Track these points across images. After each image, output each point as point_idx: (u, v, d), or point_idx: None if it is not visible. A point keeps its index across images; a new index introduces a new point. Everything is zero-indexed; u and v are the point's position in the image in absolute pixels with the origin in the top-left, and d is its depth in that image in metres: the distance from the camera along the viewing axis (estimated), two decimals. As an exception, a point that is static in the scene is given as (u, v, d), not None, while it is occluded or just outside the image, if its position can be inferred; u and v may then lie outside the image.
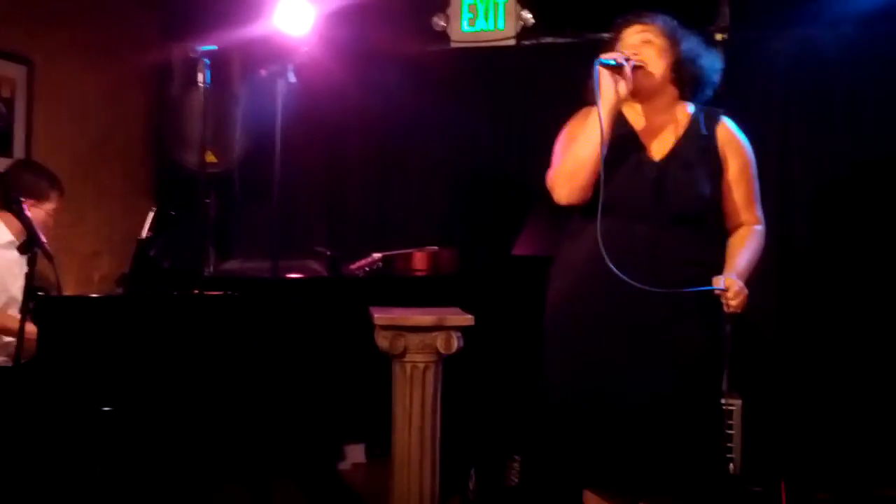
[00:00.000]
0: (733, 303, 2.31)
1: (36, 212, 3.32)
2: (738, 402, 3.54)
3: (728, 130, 2.50)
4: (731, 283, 2.31)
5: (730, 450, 3.47)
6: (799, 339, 3.84)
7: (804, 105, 3.92)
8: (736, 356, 3.41)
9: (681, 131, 2.48)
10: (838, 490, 3.60)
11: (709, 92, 2.54)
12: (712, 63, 2.53)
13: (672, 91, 2.50)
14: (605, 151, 2.33)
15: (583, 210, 2.45)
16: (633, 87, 2.39)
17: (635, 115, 2.51)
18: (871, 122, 3.81)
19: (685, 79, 2.48)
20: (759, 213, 2.53)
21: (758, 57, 3.93)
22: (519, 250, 3.46)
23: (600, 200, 2.32)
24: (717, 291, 2.31)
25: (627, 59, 2.37)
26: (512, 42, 4.33)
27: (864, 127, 3.82)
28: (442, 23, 4.39)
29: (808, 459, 3.70)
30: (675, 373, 2.37)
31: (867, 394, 3.70)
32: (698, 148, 2.45)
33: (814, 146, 3.90)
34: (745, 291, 2.32)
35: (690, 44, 2.49)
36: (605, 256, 2.26)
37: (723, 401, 2.44)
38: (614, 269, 2.26)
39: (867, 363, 3.71)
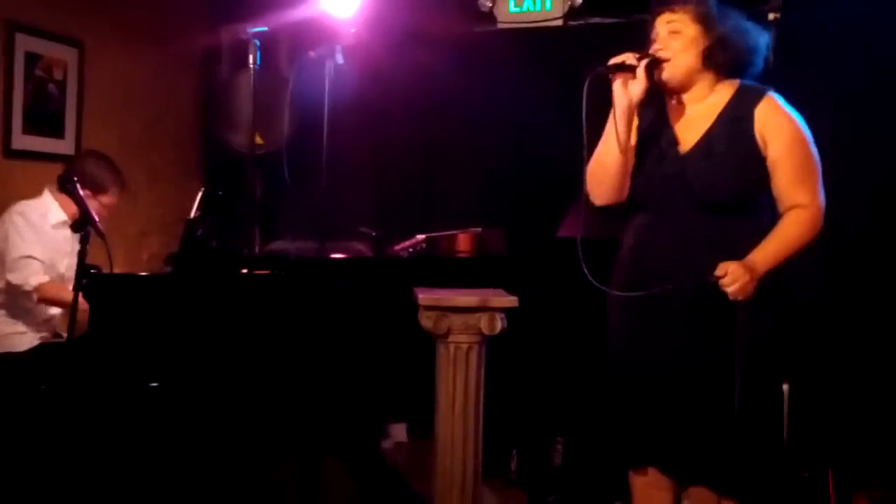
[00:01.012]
0: (729, 289, 2.22)
1: (91, 202, 3.38)
2: (786, 387, 3.49)
3: (768, 109, 2.36)
4: (726, 268, 2.22)
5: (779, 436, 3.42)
6: (849, 325, 3.77)
7: (860, 86, 3.82)
8: (784, 341, 3.38)
9: (713, 118, 2.40)
10: (888, 479, 3.53)
11: (757, 68, 2.44)
12: (756, 41, 2.43)
13: (710, 76, 2.42)
14: (628, 154, 2.34)
15: (627, 206, 2.46)
16: (661, 81, 2.36)
17: (674, 105, 2.46)
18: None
19: (724, 61, 2.40)
20: (815, 195, 2.37)
21: (812, 36, 3.84)
22: (564, 232, 3.44)
23: (631, 199, 2.36)
24: (711, 279, 2.22)
25: (641, 58, 2.32)
26: (559, 22, 4.29)
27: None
28: (488, 3, 4.36)
29: (858, 447, 3.64)
30: (726, 360, 2.33)
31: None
32: (729, 134, 2.36)
33: (870, 129, 3.80)
34: (746, 277, 2.21)
35: (729, 24, 2.39)
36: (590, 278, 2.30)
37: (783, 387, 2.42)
38: (599, 286, 2.30)
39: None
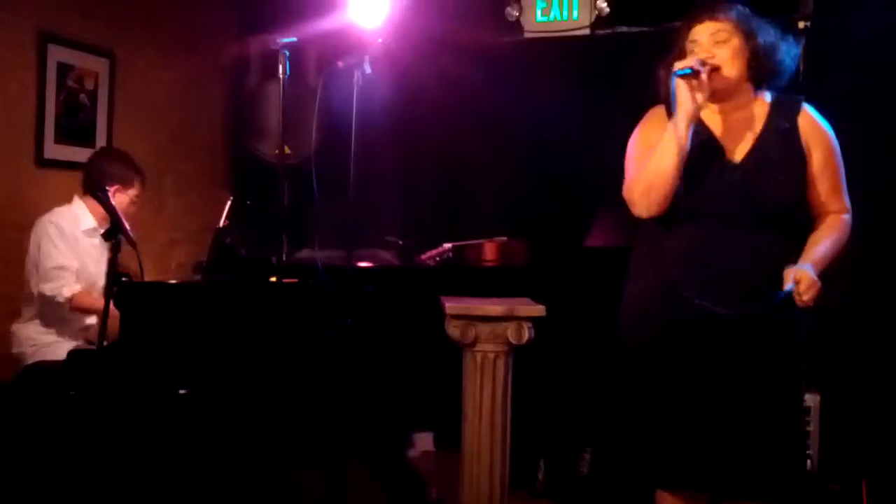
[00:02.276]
0: (805, 297, 2.22)
1: (121, 197, 3.42)
2: (817, 397, 3.45)
3: (809, 119, 2.41)
4: (801, 276, 2.22)
5: (808, 447, 3.38)
6: (881, 334, 3.72)
7: (892, 93, 3.78)
8: (815, 350, 3.34)
9: (759, 127, 2.39)
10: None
11: (785, 81, 2.45)
12: (789, 52, 2.43)
13: (748, 86, 2.41)
14: (684, 161, 2.29)
15: (660, 218, 2.38)
16: (713, 90, 2.33)
17: (711, 116, 2.42)
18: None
19: (762, 73, 2.40)
20: (846, 201, 2.44)
21: (843, 45, 3.80)
22: (591, 242, 3.43)
23: (682, 208, 2.29)
24: (788, 289, 2.22)
25: (704, 65, 2.30)
26: (586, 32, 4.28)
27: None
28: (515, 13, 4.37)
29: (892, 458, 3.58)
30: (754, 375, 2.32)
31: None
32: (780, 143, 2.36)
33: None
34: (818, 284, 2.24)
35: (767, 35, 2.39)
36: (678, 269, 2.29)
37: (804, 399, 2.40)
38: (690, 296, 2.28)
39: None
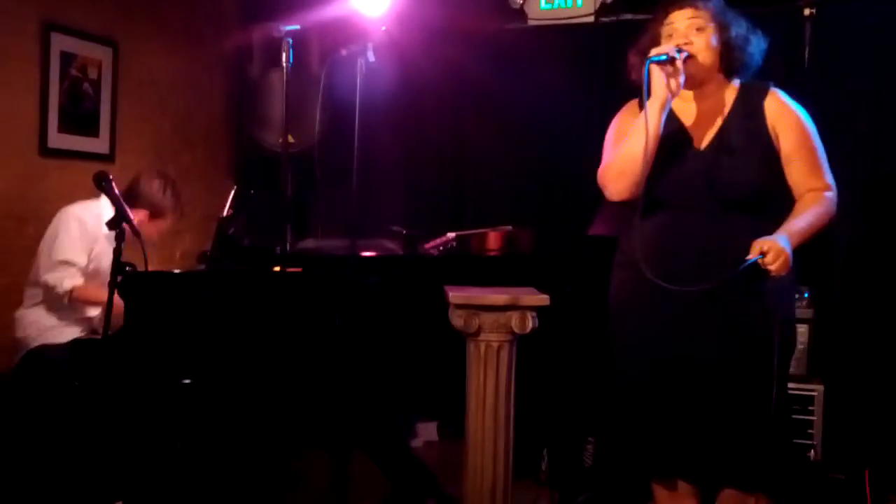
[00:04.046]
0: (771, 267, 2.19)
1: (148, 227, 3.40)
2: (821, 387, 3.44)
3: (776, 103, 2.40)
4: (769, 245, 2.19)
5: (811, 436, 3.38)
6: (885, 324, 3.71)
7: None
8: (818, 341, 3.33)
9: (724, 115, 2.41)
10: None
11: (751, 72, 2.47)
12: (759, 46, 2.46)
13: (719, 76, 2.44)
14: (655, 147, 2.31)
15: (634, 205, 2.39)
16: (688, 76, 2.35)
17: (683, 104, 2.45)
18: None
19: (733, 64, 2.43)
20: (827, 179, 2.40)
21: (849, 32, 3.78)
22: (595, 230, 3.42)
23: (642, 195, 2.31)
24: (757, 261, 2.18)
25: (680, 51, 2.32)
26: (591, 19, 4.27)
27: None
28: (519, 0, 4.35)
29: (888, 459, 3.58)
30: (725, 359, 2.33)
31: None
32: (745, 130, 2.38)
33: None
34: (786, 253, 2.19)
35: (739, 28, 2.42)
36: (641, 258, 2.29)
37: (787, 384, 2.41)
38: (650, 276, 2.27)
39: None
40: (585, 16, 4.27)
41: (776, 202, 2.38)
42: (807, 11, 3.64)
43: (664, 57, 2.30)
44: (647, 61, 2.31)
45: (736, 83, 2.46)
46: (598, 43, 4.26)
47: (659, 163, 2.34)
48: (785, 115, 2.38)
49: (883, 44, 3.76)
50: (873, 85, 3.79)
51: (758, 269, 2.20)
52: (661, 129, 2.33)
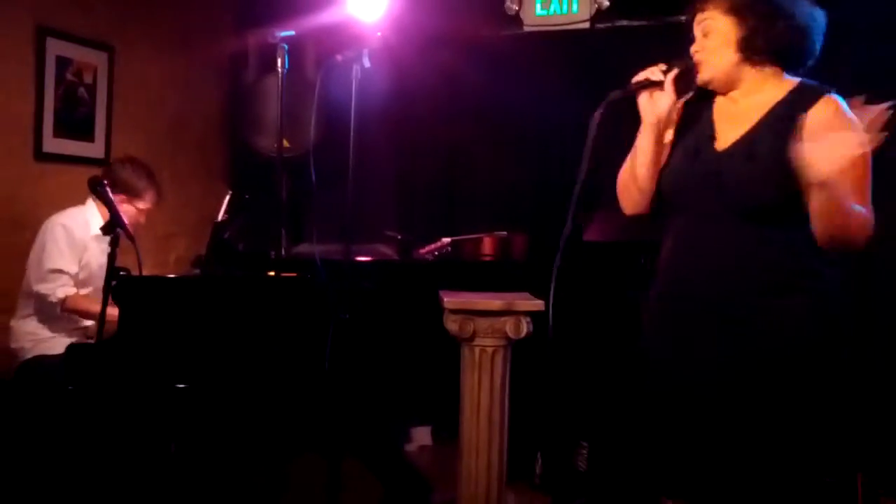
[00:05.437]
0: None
1: (127, 208, 3.42)
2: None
3: (826, 112, 2.08)
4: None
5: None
6: (874, 327, 3.72)
7: (892, 87, 3.76)
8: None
9: (762, 115, 2.19)
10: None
11: (812, 53, 2.17)
12: (806, 21, 2.14)
13: (759, 69, 2.19)
14: (648, 170, 2.25)
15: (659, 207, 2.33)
16: (704, 84, 2.22)
17: (723, 101, 2.27)
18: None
19: (764, 49, 2.16)
20: (866, 203, 2.07)
21: (841, 38, 3.79)
22: (590, 236, 3.43)
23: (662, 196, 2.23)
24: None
25: (668, 70, 2.20)
26: (586, 25, 4.28)
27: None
28: (515, 6, 4.36)
29: (887, 453, 3.58)
30: (754, 383, 2.16)
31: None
32: (775, 133, 2.13)
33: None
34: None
35: (768, 7, 2.15)
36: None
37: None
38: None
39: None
40: (581, 22, 4.28)
41: (798, 219, 2.09)
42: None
43: (644, 83, 2.21)
44: (626, 90, 2.22)
45: (794, 80, 2.17)
46: (593, 49, 4.27)
47: (678, 164, 2.24)
48: (830, 126, 2.03)
49: (875, 50, 3.77)
50: (866, 90, 3.79)
51: (797, 305, 2.09)
52: (668, 148, 2.26)
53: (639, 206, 2.35)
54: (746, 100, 2.23)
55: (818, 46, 2.18)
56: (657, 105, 2.22)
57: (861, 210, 2.06)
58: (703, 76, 2.22)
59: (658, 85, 2.21)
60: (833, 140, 1.90)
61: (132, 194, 3.51)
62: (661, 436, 2.32)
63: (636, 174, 2.31)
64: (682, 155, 2.26)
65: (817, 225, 2.05)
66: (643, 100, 2.23)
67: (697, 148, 2.24)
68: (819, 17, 2.17)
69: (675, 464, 2.30)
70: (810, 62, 2.20)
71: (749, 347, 2.14)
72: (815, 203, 2.02)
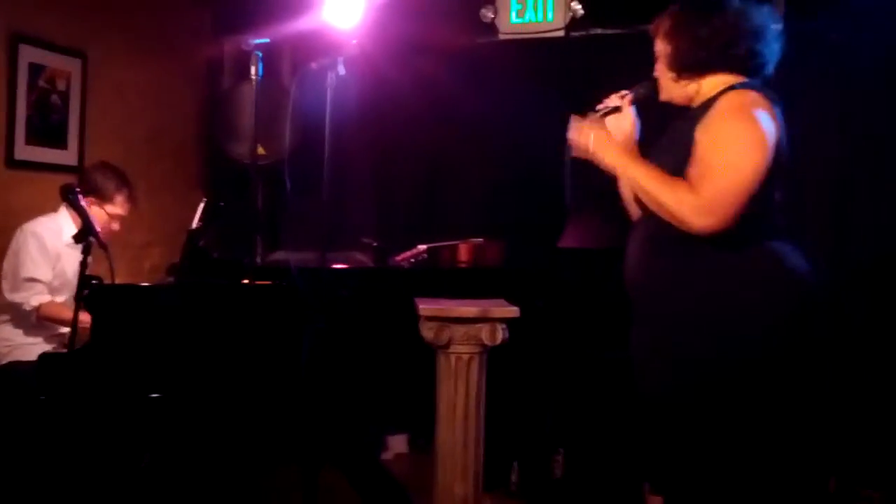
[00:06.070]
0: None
1: (98, 212, 3.40)
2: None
3: (720, 103, 2.13)
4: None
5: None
6: (850, 331, 3.76)
7: (864, 99, 3.81)
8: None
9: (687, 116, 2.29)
10: (888, 487, 3.51)
11: (762, 58, 2.22)
12: (750, 27, 2.20)
13: (704, 80, 2.25)
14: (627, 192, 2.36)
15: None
16: (668, 101, 2.34)
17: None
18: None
19: (695, 62, 2.22)
20: (709, 195, 2.05)
21: (813, 49, 3.84)
22: (565, 243, 3.45)
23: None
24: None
25: (624, 96, 2.38)
26: (561, 33, 4.30)
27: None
28: (490, 14, 4.38)
29: (856, 454, 3.62)
30: (671, 377, 2.22)
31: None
32: (679, 130, 2.24)
33: (874, 141, 3.79)
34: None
35: (706, 21, 2.20)
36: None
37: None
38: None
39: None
40: (556, 30, 4.30)
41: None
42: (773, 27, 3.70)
43: (607, 109, 2.39)
44: (599, 115, 2.37)
45: (729, 82, 2.21)
46: (568, 57, 4.30)
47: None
48: (713, 114, 2.11)
49: (846, 61, 3.82)
50: (837, 101, 3.84)
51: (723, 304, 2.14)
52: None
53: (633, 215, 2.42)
54: (696, 109, 2.32)
55: (759, 50, 2.22)
56: (620, 126, 2.38)
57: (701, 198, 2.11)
58: (662, 97, 2.38)
59: (617, 110, 2.39)
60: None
61: (102, 197, 3.49)
62: (643, 434, 2.36)
63: (624, 191, 2.43)
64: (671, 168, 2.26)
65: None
66: (610, 122, 2.38)
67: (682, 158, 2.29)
68: (751, 22, 2.20)
69: (656, 461, 2.34)
70: (761, 65, 2.24)
71: (682, 338, 2.18)
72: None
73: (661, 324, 2.23)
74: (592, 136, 2.32)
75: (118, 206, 3.56)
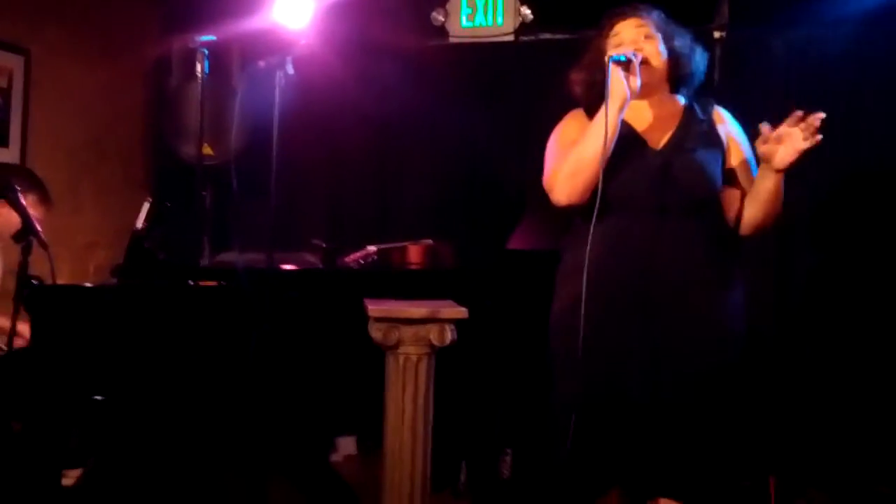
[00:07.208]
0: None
1: (6, 212, 3.29)
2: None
3: (723, 116, 2.51)
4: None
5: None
6: (792, 333, 3.84)
7: (804, 106, 3.88)
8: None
9: (677, 121, 2.46)
10: (831, 487, 3.59)
11: (696, 86, 2.54)
12: (703, 60, 2.53)
13: (666, 87, 2.50)
14: (611, 149, 2.30)
15: (584, 212, 2.35)
16: (645, 80, 2.37)
17: (633, 112, 2.43)
18: (872, 123, 3.78)
19: (679, 75, 2.49)
20: None
21: (757, 56, 3.92)
22: (514, 244, 3.46)
23: (598, 200, 2.27)
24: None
25: (636, 55, 2.34)
26: (510, 38, 4.34)
27: (865, 127, 3.79)
28: (441, 17, 4.39)
29: (799, 455, 3.69)
30: (685, 377, 2.33)
31: (863, 389, 3.69)
32: (699, 132, 2.43)
33: (814, 148, 3.86)
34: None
35: (683, 40, 2.49)
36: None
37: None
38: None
39: (861, 358, 3.71)
40: (505, 34, 4.34)
41: (721, 215, 2.45)
42: (717, 34, 3.80)
43: (622, 58, 2.31)
44: (610, 60, 2.31)
45: (682, 100, 2.51)
46: (517, 61, 4.33)
47: (610, 167, 2.31)
48: (734, 127, 2.50)
49: (791, 68, 3.90)
50: (782, 107, 3.91)
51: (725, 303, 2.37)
52: (617, 132, 2.34)
53: (580, 195, 2.37)
54: (655, 110, 2.48)
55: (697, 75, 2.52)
56: (632, 85, 2.33)
57: None
58: (644, 75, 2.36)
59: (628, 65, 2.33)
60: (790, 136, 2.30)
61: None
62: (598, 431, 2.38)
63: (586, 157, 2.33)
64: (619, 158, 2.34)
65: (760, 210, 2.38)
66: (620, 76, 2.31)
67: (630, 151, 2.38)
68: (704, 63, 2.53)
69: (611, 456, 2.38)
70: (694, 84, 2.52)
71: (688, 338, 2.33)
72: (770, 188, 2.34)
73: (691, 316, 2.34)
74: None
75: (31, 208, 3.45)
